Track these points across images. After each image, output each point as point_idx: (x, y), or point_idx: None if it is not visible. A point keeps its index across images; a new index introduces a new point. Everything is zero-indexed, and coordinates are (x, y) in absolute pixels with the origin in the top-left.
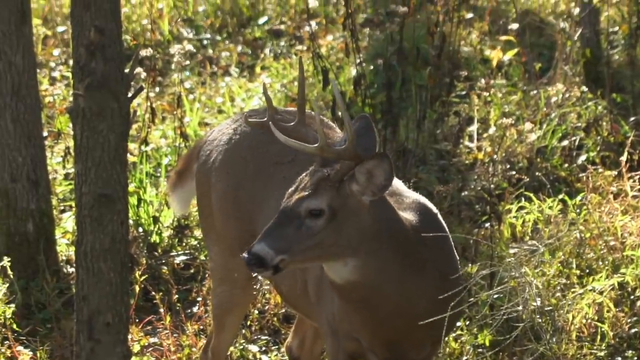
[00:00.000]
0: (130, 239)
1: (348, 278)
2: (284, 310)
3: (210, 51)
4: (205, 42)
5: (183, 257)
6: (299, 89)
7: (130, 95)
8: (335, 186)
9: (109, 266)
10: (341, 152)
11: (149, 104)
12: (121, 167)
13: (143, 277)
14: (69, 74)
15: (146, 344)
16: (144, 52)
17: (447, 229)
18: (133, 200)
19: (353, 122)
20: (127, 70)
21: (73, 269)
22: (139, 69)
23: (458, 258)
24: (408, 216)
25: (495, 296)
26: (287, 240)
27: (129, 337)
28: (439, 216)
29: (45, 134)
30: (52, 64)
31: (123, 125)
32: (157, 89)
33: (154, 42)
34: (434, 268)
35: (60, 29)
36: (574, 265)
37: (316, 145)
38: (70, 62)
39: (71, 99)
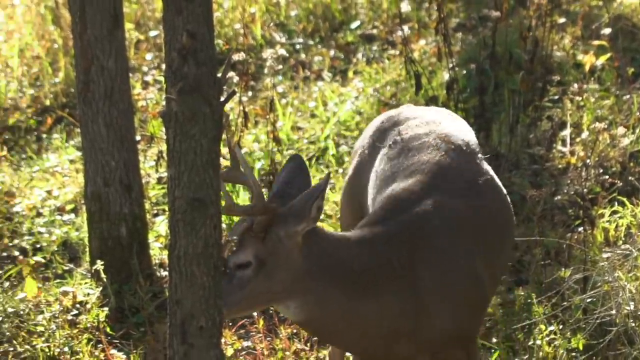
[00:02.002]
0: (223, 242)
1: (295, 319)
2: None
3: (302, 55)
4: (297, 46)
5: None
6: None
7: (222, 99)
8: (260, 236)
9: (202, 270)
10: (249, 209)
11: (241, 108)
12: (214, 171)
13: None
14: (162, 78)
15: (239, 347)
16: (236, 56)
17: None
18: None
19: (286, 163)
20: (219, 75)
21: (166, 273)
22: (231, 73)
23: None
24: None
25: (589, 300)
26: (239, 286)
27: (222, 340)
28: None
29: (138, 138)
30: (145, 68)
31: (215, 129)
32: (250, 93)
33: (246, 46)
34: (399, 285)
35: (152, 33)
36: None
37: (223, 205)
38: (163, 66)
39: (164, 103)
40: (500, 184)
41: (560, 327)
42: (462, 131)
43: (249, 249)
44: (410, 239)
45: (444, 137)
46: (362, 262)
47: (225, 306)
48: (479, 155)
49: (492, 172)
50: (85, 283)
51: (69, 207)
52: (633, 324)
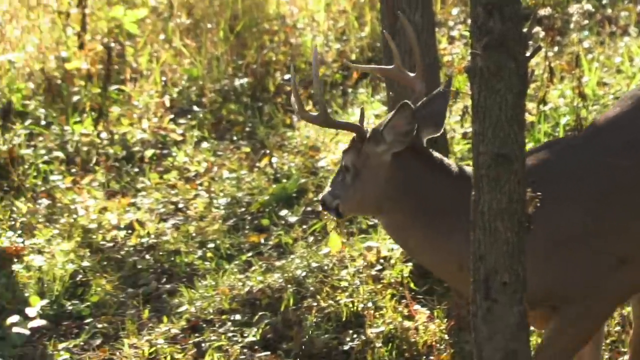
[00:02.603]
0: (527, 198)
1: (385, 233)
2: None
3: (609, 10)
4: (604, 1)
5: None
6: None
7: (528, 54)
8: (357, 147)
9: (505, 225)
10: (313, 118)
11: (547, 63)
12: (519, 127)
13: None
14: (467, 33)
15: None
16: (542, 11)
17: None
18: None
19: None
20: (525, 30)
21: None
22: (537, 28)
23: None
24: None
25: None
26: (339, 189)
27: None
28: None
29: None
30: (451, 23)
31: (520, 84)
32: (556, 49)
33: (552, 1)
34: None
35: None
36: None
37: (296, 110)
38: (469, 21)
39: (469, 58)
40: None
41: None
42: None
43: (348, 155)
44: None
45: None
46: (443, 197)
47: (340, 199)
48: None
49: None
50: (389, 238)
51: None
52: None
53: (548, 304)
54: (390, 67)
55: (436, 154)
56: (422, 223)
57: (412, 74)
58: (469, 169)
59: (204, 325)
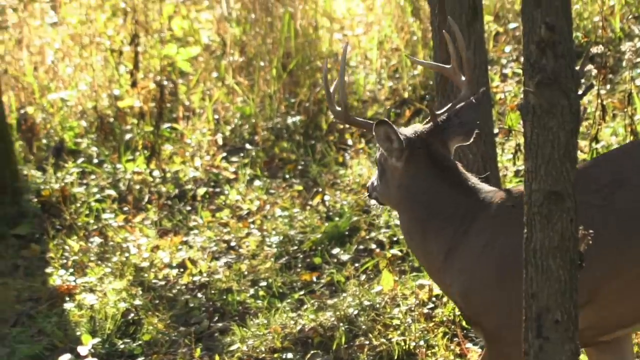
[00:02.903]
0: (579, 235)
1: None
2: None
3: None
4: None
5: None
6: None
7: (580, 92)
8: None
9: (558, 263)
10: (336, 114)
11: (599, 101)
12: (571, 165)
13: None
14: (520, 71)
15: None
16: (594, 49)
17: None
18: None
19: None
20: (577, 67)
21: None
22: (589, 66)
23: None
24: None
25: None
26: (376, 180)
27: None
28: None
29: (495, 130)
30: (504, 61)
31: (573, 122)
32: (608, 86)
33: (604, 39)
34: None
35: (511, 25)
36: None
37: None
38: (521, 59)
39: (521, 95)
40: None
41: None
42: None
43: (378, 152)
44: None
45: None
46: (444, 208)
47: (376, 189)
48: None
49: None
50: None
51: None
52: None
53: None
54: (448, 66)
55: (454, 165)
56: (421, 229)
57: (464, 77)
58: (486, 187)
59: None
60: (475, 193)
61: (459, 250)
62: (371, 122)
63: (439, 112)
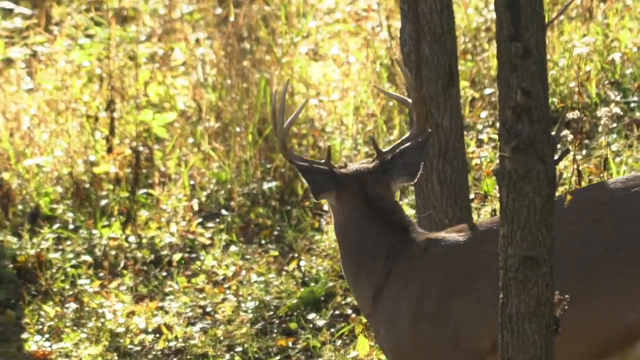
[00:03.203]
0: (556, 301)
1: None
2: None
3: (637, 114)
4: (633, 104)
5: None
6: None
7: (556, 157)
8: None
9: (533, 329)
10: (280, 147)
11: (575, 166)
12: (547, 230)
13: None
14: (496, 136)
15: None
16: (570, 115)
17: None
18: None
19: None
20: (553, 133)
21: None
22: (565, 131)
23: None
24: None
25: None
26: None
27: None
28: None
29: (471, 196)
30: (479, 126)
31: (549, 187)
32: (584, 152)
33: (581, 104)
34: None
35: (487, 91)
36: None
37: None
38: (497, 124)
39: (497, 161)
40: None
41: None
42: None
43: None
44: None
45: None
46: (370, 247)
47: None
48: None
49: None
50: None
51: None
52: None
53: None
54: (410, 100)
55: (390, 206)
56: (355, 269)
57: (415, 115)
58: (419, 229)
59: None
60: (404, 233)
61: (382, 292)
62: (306, 163)
63: (385, 151)
